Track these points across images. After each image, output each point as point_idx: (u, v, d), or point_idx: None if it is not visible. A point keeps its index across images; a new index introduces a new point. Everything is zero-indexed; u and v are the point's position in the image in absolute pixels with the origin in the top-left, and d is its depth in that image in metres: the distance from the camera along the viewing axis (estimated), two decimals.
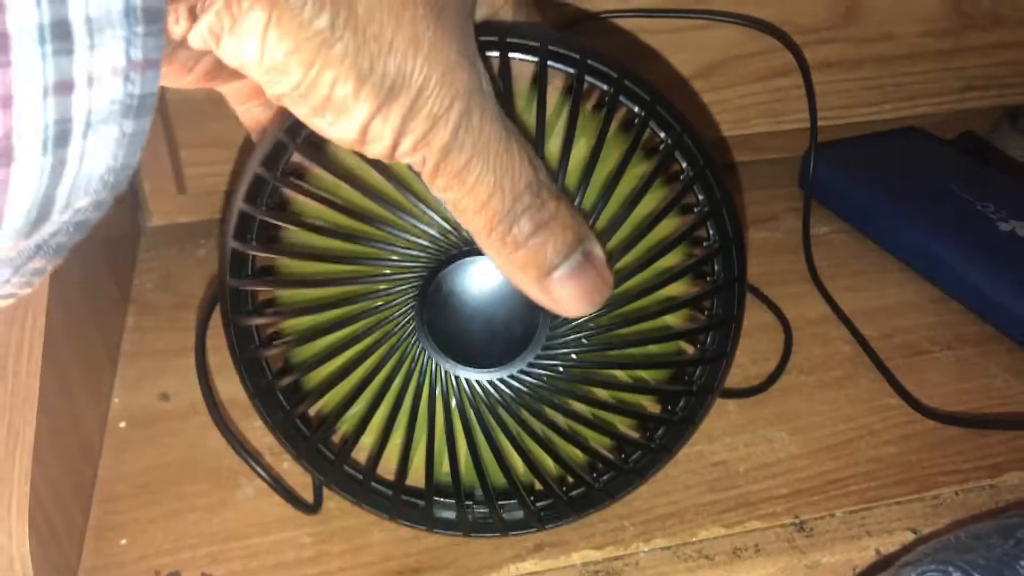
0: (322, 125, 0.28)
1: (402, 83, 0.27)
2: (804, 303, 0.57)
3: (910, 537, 0.42)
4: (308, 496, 0.44)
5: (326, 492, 0.44)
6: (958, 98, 0.70)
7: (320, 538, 0.43)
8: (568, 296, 0.33)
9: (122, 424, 0.49)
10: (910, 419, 0.49)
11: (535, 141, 0.35)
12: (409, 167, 0.30)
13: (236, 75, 0.29)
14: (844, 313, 0.56)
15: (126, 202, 0.61)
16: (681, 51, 0.63)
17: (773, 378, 0.51)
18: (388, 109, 0.28)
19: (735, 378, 0.51)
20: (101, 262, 0.53)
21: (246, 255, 0.38)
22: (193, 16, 0.26)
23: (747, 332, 0.54)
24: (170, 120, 0.58)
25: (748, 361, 0.53)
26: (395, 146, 0.29)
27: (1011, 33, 0.67)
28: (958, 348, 0.54)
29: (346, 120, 0.28)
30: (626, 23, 0.61)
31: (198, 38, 0.26)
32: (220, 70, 0.30)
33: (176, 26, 0.26)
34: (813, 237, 0.62)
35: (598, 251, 0.34)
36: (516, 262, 0.32)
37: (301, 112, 0.28)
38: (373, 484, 0.41)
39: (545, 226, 0.32)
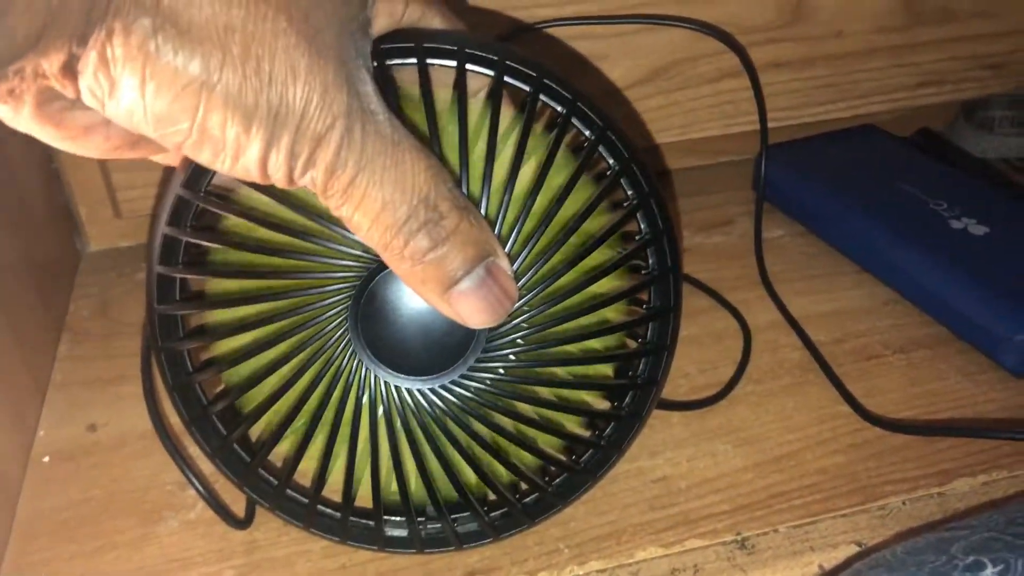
0: (224, 167, 0.28)
1: (286, 111, 0.28)
2: (755, 309, 0.56)
3: (855, 551, 0.41)
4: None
5: (257, 514, 0.43)
6: (912, 95, 0.69)
7: (243, 571, 0.41)
8: (470, 310, 0.33)
9: (45, 459, 0.47)
10: (859, 427, 0.47)
11: (442, 149, 0.34)
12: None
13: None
14: (794, 318, 0.54)
15: (60, 228, 0.60)
16: (627, 56, 0.61)
17: (727, 389, 0.49)
18: (278, 139, 0.28)
19: (681, 389, 0.50)
20: (30, 288, 0.52)
21: (173, 279, 0.37)
22: (73, 74, 0.26)
23: (697, 339, 0.53)
24: None
25: (695, 370, 0.51)
26: (290, 171, 0.29)
27: (963, 27, 0.66)
28: (911, 351, 0.52)
29: (244, 158, 0.28)
30: (570, 30, 0.60)
31: (88, 99, 0.27)
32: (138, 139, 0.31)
33: (64, 88, 0.26)
34: (767, 241, 0.61)
35: (502, 264, 0.33)
36: (416, 276, 0.32)
37: (203, 158, 0.28)
38: (319, 507, 0.40)
39: (444, 241, 0.31)
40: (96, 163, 0.58)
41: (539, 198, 0.35)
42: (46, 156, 0.57)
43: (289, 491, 0.39)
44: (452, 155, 0.34)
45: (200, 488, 0.42)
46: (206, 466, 0.45)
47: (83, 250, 0.63)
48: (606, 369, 0.40)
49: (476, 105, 0.36)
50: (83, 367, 0.53)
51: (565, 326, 0.36)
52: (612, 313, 0.39)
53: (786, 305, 0.56)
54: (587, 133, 0.36)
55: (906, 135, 0.71)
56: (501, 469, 0.38)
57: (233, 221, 0.37)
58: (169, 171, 0.37)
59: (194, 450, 0.46)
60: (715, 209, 0.66)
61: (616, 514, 0.43)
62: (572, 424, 0.40)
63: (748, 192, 0.67)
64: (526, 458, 0.39)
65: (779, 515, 0.43)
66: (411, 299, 0.35)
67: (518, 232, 0.35)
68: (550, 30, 0.58)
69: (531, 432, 0.39)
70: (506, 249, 0.35)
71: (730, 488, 0.44)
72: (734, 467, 0.45)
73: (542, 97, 0.36)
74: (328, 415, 0.36)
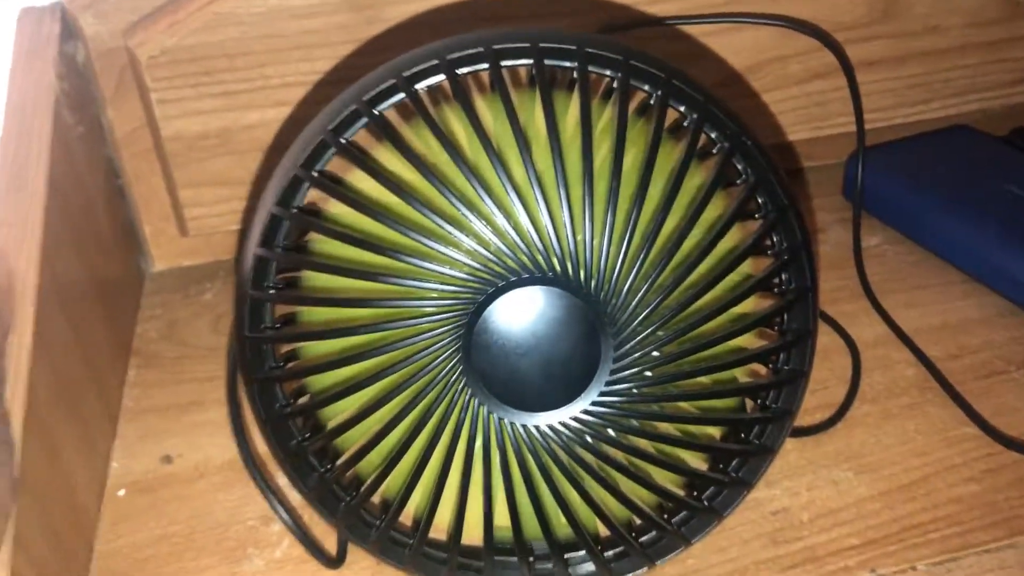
0: None
1: None
2: (859, 323, 0.52)
3: None
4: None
5: (349, 546, 0.40)
6: (1008, 92, 0.65)
7: None
8: None
9: (121, 492, 0.45)
10: (991, 451, 0.44)
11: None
12: None
13: None
14: (905, 333, 0.51)
15: (124, 247, 0.57)
16: (714, 57, 0.58)
17: (842, 411, 0.46)
18: None
19: None
20: (96, 312, 0.50)
21: (264, 303, 0.34)
22: None
23: None
24: (166, 159, 0.55)
25: None
26: None
27: None
28: None
29: None
30: (655, 30, 0.57)
31: None
32: None
33: None
34: (864, 249, 0.57)
35: None
36: None
37: None
38: (424, 548, 0.37)
39: None
40: (162, 178, 0.56)
41: (670, 213, 0.32)
42: (112, 170, 0.55)
43: (393, 532, 0.36)
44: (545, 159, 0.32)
45: (290, 522, 0.39)
46: (293, 499, 0.42)
47: (147, 270, 0.61)
48: (731, 402, 0.37)
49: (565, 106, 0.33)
50: (154, 393, 0.51)
51: (697, 355, 0.33)
52: (743, 339, 0.35)
53: (893, 318, 0.52)
54: (715, 136, 0.34)
55: (1000, 135, 0.67)
56: (616, 506, 0.35)
57: (330, 244, 0.34)
58: (260, 187, 0.35)
59: (280, 481, 0.43)
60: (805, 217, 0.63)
61: (736, 550, 0.40)
62: (693, 459, 0.37)
63: (837, 198, 0.63)
64: (643, 495, 0.36)
65: (915, 551, 0.39)
66: (529, 325, 0.32)
67: (646, 253, 0.32)
68: (636, 32, 0.55)
69: (650, 468, 0.35)
70: (634, 271, 0.32)
71: (857, 520, 0.41)
72: (859, 496, 0.42)
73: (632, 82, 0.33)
74: (439, 454, 0.34)
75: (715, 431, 0.37)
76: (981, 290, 0.54)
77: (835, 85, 0.60)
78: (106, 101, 0.53)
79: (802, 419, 0.46)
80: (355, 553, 0.40)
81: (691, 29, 0.57)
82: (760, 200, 0.35)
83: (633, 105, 0.35)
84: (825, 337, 0.52)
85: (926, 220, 0.58)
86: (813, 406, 0.47)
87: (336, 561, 0.40)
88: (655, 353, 0.33)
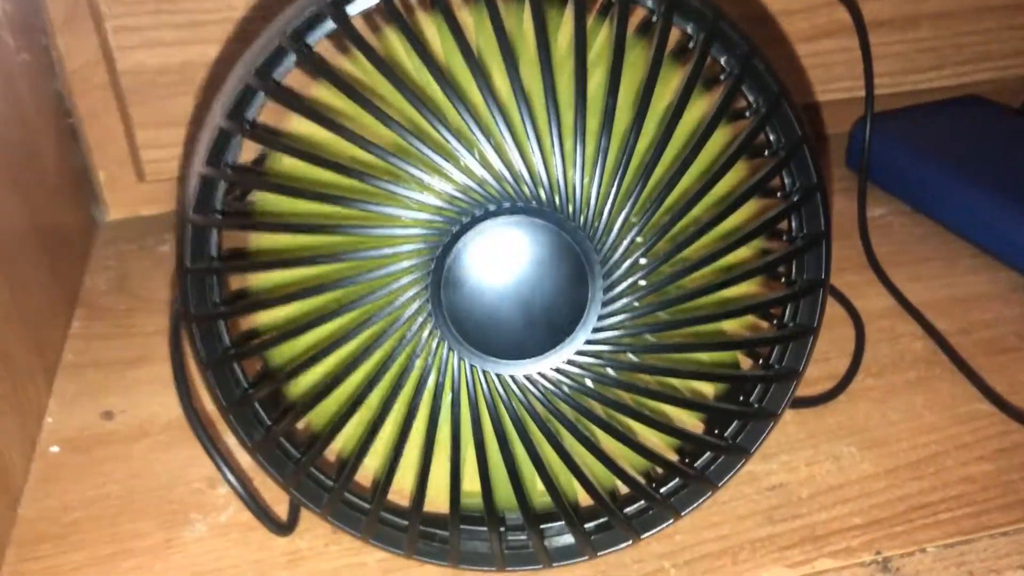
0: None
1: None
2: (865, 294, 0.49)
3: None
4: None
5: (301, 518, 0.36)
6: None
7: None
8: None
9: (54, 448, 0.41)
10: (1005, 428, 0.40)
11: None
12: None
13: None
14: (913, 305, 0.47)
15: (75, 192, 0.53)
16: None
17: (845, 382, 0.42)
18: None
19: None
20: (39, 258, 0.45)
21: (210, 232, 0.30)
22: None
23: None
24: (123, 96, 0.50)
25: None
26: None
27: None
28: None
29: None
30: None
31: None
32: None
33: None
34: (869, 220, 0.54)
35: None
36: None
37: None
38: (383, 514, 0.33)
39: None
40: (118, 117, 0.51)
41: (671, 140, 0.28)
42: (61, 107, 0.51)
43: (348, 495, 0.32)
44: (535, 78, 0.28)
45: (236, 484, 0.35)
46: (242, 460, 0.38)
47: (101, 218, 0.56)
48: (726, 357, 0.33)
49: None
50: (98, 347, 0.47)
51: (696, 302, 0.29)
52: (744, 290, 0.32)
53: (899, 290, 0.49)
54: (723, 61, 0.30)
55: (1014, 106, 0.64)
56: (600, 471, 0.32)
57: (287, 163, 0.30)
58: (204, 102, 0.31)
59: (229, 442, 0.40)
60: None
61: (729, 527, 0.36)
62: (686, 421, 0.33)
63: (839, 168, 0.60)
64: (630, 459, 0.32)
65: (924, 532, 0.36)
66: (509, 262, 0.28)
67: (642, 185, 0.28)
68: None
69: (640, 429, 0.32)
70: (630, 201, 0.28)
71: (861, 498, 0.37)
72: (863, 473, 0.38)
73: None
74: (401, 405, 0.30)
75: (709, 391, 0.33)
76: (991, 264, 0.51)
77: (842, 45, 0.57)
78: (56, 28, 0.48)
79: (802, 390, 0.42)
80: (308, 520, 0.36)
81: None
82: (771, 135, 0.31)
83: (633, 24, 0.31)
84: (827, 307, 0.48)
85: (934, 191, 0.54)
86: (814, 377, 0.43)
87: (286, 527, 0.36)
88: (643, 303, 0.29)
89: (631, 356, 0.30)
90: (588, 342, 0.29)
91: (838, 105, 0.60)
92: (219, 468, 0.35)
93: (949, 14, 0.58)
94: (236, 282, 0.32)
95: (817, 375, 0.43)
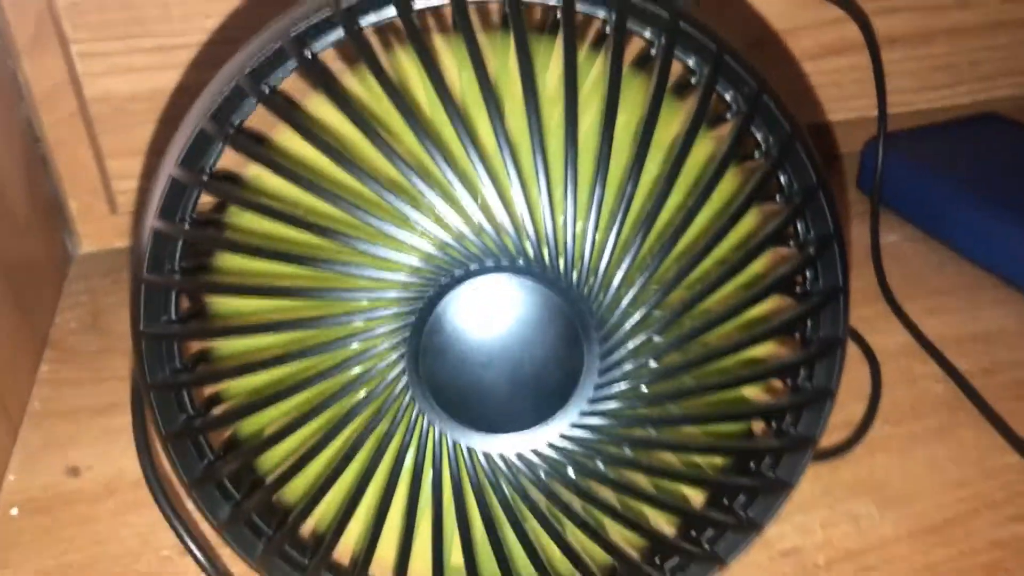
0: None
1: None
2: (879, 329, 0.46)
3: None
4: None
5: None
6: None
7: None
8: None
9: (13, 511, 0.38)
10: None
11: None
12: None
13: None
14: (931, 343, 0.44)
15: (45, 224, 0.50)
16: (720, 27, 0.52)
17: (861, 431, 0.40)
18: None
19: None
20: (5, 297, 0.43)
21: (166, 291, 0.27)
22: None
23: None
24: (92, 124, 0.48)
25: None
26: None
27: None
28: None
29: None
30: None
31: None
32: None
33: None
34: (880, 247, 0.51)
35: None
36: None
37: None
38: None
39: None
40: (88, 145, 0.49)
41: (675, 186, 0.26)
42: (31, 136, 0.48)
43: (323, 572, 0.29)
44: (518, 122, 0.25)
45: (202, 559, 0.32)
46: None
47: (73, 251, 0.54)
48: (734, 425, 0.30)
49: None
50: (67, 393, 0.44)
51: (706, 368, 0.27)
52: (752, 350, 0.29)
53: (917, 325, 0.46)
54: (729, 98, 0.27)
55: None
56: (598, 553, 0.29)
57: (248, 217, 0.27)
58: (160, 148, 0.28)
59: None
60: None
61: None
62: (689, 492, 0.30)
63: (851, 191, 0.57)
64: (630, 538, 0.29)
65: None
66: (495, 325, 0.26)
67: (642, 238, 0.25)
68: None
69: (640, 507, 0.29)
70: (627, 259, 0.25)
71: (883, 565, 0.34)
72: (884, 537, 0.35)
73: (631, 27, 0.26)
74: (377, 483, 0.27)
75: (717, 459, 0.30)
76: (1015, 296, 0.48)
77: (851, 63, 0.54)
78: (20, 52, 0.45)
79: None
80: None
81: None
82: (783, 178, 0.28)
83: (629, 57, 0.28)
84: None
85: (951, 215, 0.51)
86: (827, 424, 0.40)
87: None
88: (652, 364, 0.26)
89: (631, 429, 0.27)
90: (584, 413, 0.26)
91: (848, 125, 0.57)
92: (183, 542, 0.32)
93: (964, 30, 0.55)
94: (199, 343, 0.30)
95: (831, 422, 0.40)
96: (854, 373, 0.43)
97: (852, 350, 0.45)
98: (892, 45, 0.54)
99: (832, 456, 0.39)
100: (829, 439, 0.39)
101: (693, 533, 0.30)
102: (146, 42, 0.45)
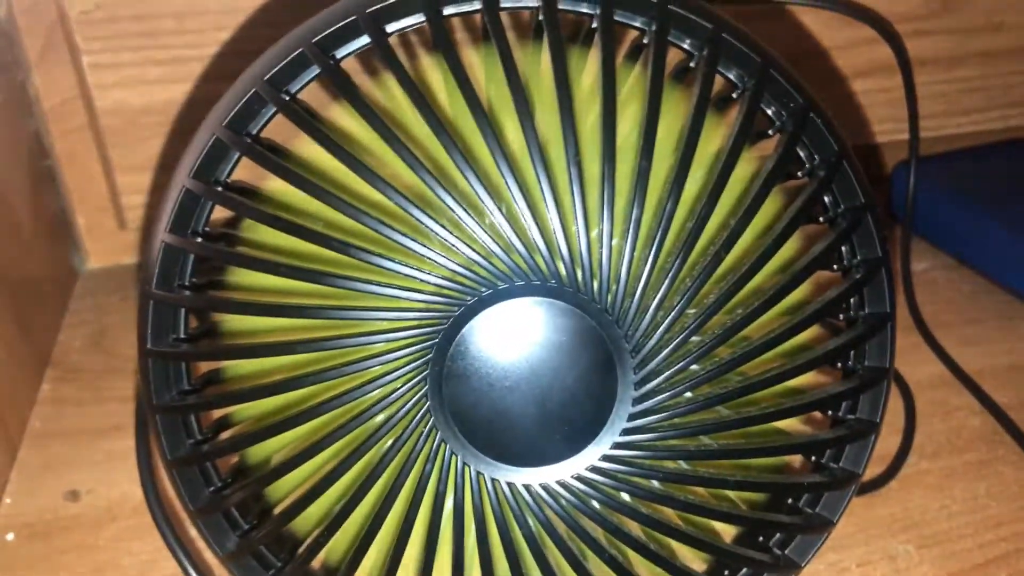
0: None
1: None
2: (912, 361, 0.44)
3: None
4: None
5: None
6: None
7: None
8: None
9: (9, 536, 0.36)
10: None
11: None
12: None
13: None
14: (967, 374, 0.43)
15: (52, 240, 0.49)
16: None
17: (896, 466, 0.38)
18: None
19: None
20: (8, 314, 0.41)
21: (175, 308, 0.26)
22: None
23: None
24: (102, 137, 0.46)
25: None
26: None
27: None
28: None
29: None
30: None
31: None
32: None
33: None
34: (912, 276, 0.49)
35: None
36: None
37: None
38: None
39: None
40: (98, 160, 0.47)
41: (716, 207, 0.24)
42: (39, 148, 0.47)
43: None
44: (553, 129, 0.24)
45: None
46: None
47: (80, 267, 0.52)
48: (775, 461, 0.29)
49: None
50: (69, 413, 0.43)
51: (747, 398, 0.25)
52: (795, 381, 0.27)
53: (951, 356, 0.44)
54: (772, 113, 0.26)
55: None
56: None
57: (263, 232, 0.26)
58: (173, 160, 0.27)
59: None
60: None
61: None
62: (721, 528, 0.29)
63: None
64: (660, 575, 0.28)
65: None
66: (523, 350, 0.24)
67: (682, 259, 0.24)
68: None
69: (671, 545, 0.27)
70: (668, 278, 0.24)
71: None
72: None
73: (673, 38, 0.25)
74: (395, 516, 0.25)
75: (755, 496, 0.29)
76: None
77: (881, 85, 0.53)
78: (32, 63, 0.44)
79: None
80: None
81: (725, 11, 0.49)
82: (827, 199, 0.27)
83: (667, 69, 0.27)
84: None
85: (983, 242, 0.50)
86: None
87: None
88: (688, 394, 0.25)
89: (666, 463, 0.25)
90: (616, 446, 0.25)
91: (877, 149, 0.56)
92: (184, 569, 0.30)
93: (998, 52, 0.53)
94: (209, 362, 0.28)
95: None
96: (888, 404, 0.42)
97: None
98: (922, 67, 0.53)
99: (867, 492, 0.37)
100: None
101: (726, 574, 0.28)
102: (159, 54, 0.44)
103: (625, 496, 0.25)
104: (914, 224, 0.52)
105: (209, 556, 0.34)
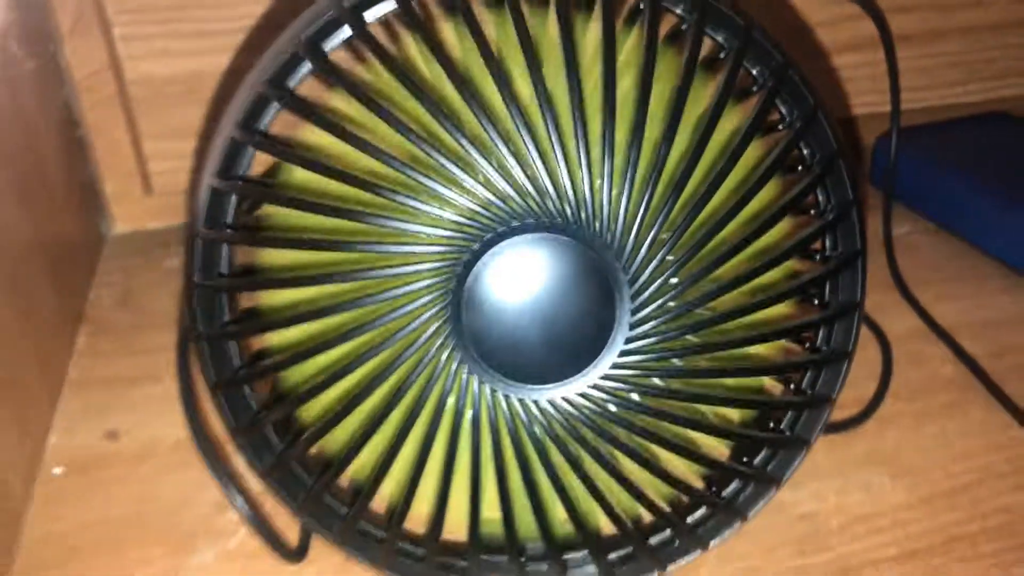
0: None
1: None
2: (891, 315, 0.47)
3: None
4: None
5: (312, 546, 0.35)
6: None
7: None
8: None
9: (57, 470, 0.39)
10: None
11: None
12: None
13: None
14: (942, 327, 0.46)
15: (82, 205, 0.52)
16: None
17: (873, 406, 0.41)
18: None
19: None
20: (43, 272, 0.44)
21: (220, 247, 0.29)
22: None
23: None
24: (131, 107, 0.49)
25: None
26: None
27: None
28: None
29: None
30: None
31: None
32: None
33: None
34: (893, 238, 0.52)
35: None
36: None
37: None
38: (399, 543, 0.31)
39: None
40: (126, 129, 0.50)
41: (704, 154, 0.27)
42: (70, 118, 0.50)
43: (362, 522, 0.31)
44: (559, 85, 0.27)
45: (244, 508, 0.33)
46: (252, 484, 0.37)
47: (107, 232, 0.55)
48: (754, 382, 0.32)
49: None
50: (103, 364, 0.46)
51: (727, 325, 0.28)
52: (773, 311, 0.30)
53: (927, 311, 0.47)
54: (756, 73, 0.29)
55: None
56: (625, 500, 0.30)
57: (299, 175, 0.29)
58: (215, 113, 0.30)
59: (238, 464, 0.38)
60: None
61: (758, 558, 0.34)
62: (712, 448, 0.32)
63: (863, 185, 0.59)
64: (656, 487, 0.31)
65: (964, 566, 0.34)
66: (532, 281, 0.27)
67: (673, 200, 0.27)
68: None
69: (666, 456, 0.30)
70: (660, 217, 0.27)
71: (894, 528, 0.36)
72: (895, 503, 0.37)
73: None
74: (418, 431, 0.28)
75: (736, 417, 0.32)
76: (1022, 284, 0.49)
77: (865, 59, 0.55)
78: (63, 35, 0.47)
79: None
80: (319, 547, 0.35)
81: None
82: (805, 149, 0.30)
83: (661, 33, 0.30)
84: None
85: (960, 208, 0.53)
86: (841, 401, 0.41)
87: (297, 555, 0.34)
88: (679, 319, 0.28)
89: (658, 381, 0.28)
90: (614, 366, 0.28)
91: (860, 120, 0.58)
92: (227, 494, 0.33)
93: (977, 28, 0.56)
94: (248, 298, 0.31)
95: (844, 399, 0.41)
96: (866, 355, 0.45)
97: (864, 332, 0.46)
98: (904, 42, 0.56)
99: (845, 428, 0.40)
100: (842, 415, 0.41)
101: (715, 488, 0.32)
102: (184, 27, 0.47)
103: (624, 409, 0.28)
104: (896, 191, 0.55)
105: (246, 482, 0.37)
